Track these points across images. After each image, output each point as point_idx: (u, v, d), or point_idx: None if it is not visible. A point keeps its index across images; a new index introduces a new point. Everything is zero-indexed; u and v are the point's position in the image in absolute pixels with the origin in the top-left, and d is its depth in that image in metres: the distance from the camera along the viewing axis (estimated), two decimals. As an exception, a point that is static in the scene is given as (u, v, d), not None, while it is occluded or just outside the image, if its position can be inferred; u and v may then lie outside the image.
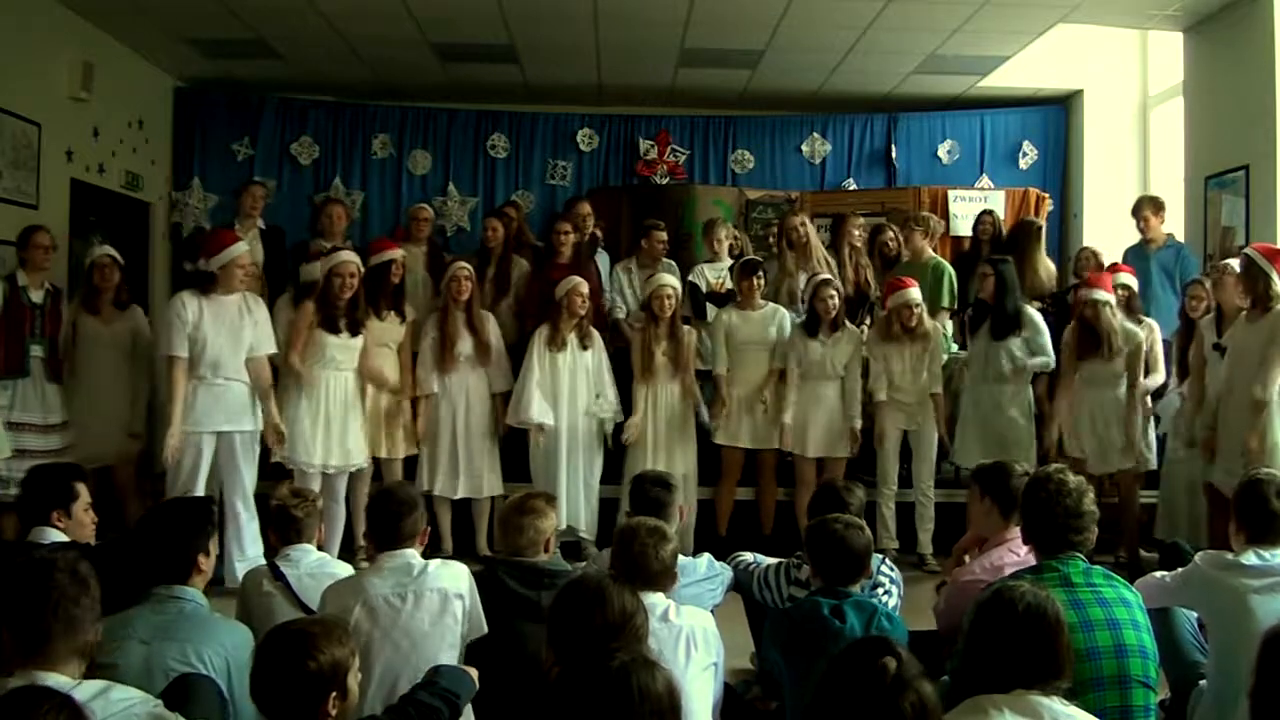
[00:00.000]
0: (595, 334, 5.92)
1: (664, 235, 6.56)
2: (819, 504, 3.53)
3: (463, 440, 5.77)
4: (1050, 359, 5.76)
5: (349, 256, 5.45)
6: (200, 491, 4.92)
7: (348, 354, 5.44)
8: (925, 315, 5.84)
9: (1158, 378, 5.80)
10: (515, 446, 6.08)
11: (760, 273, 5.92)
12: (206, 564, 2.79)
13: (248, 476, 5.16)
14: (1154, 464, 5.73)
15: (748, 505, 6.01)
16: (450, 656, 2.90)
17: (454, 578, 2.96)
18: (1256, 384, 4.73)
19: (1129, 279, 6.01)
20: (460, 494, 5.78)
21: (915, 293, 5.78)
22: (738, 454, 5.90)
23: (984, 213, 7.09)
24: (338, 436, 5.39)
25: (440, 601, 2.90)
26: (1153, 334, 5.92)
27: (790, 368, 5.82)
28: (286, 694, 2.10)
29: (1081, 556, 2.76)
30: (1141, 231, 6.60)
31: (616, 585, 2.38)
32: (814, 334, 5.78)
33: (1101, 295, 5.50)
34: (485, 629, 3.01)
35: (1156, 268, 6.44)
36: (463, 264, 5.90)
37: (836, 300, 5.77)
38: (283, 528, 3.37)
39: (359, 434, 5.50)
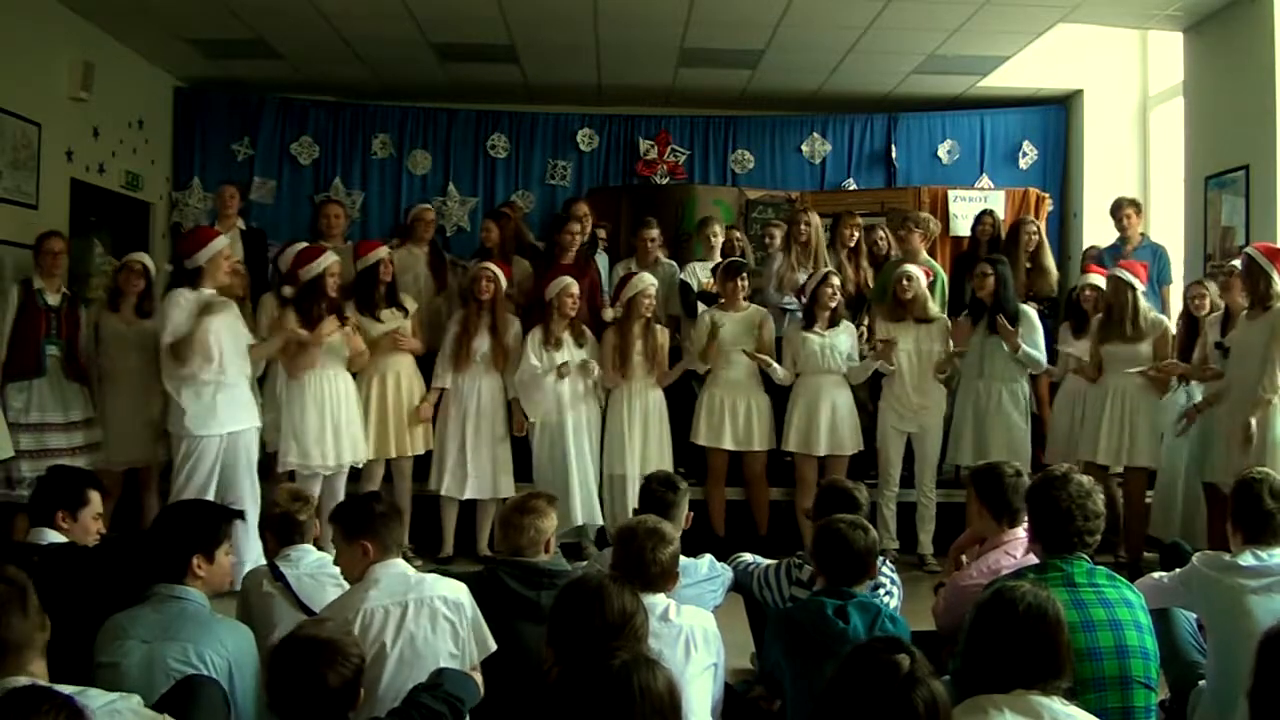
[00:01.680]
0: (587, 331, 5.92)
1: (653, 233, 6.56)
2: (827, 503, 3.51)
3: (471, 441, 5.77)
4: (1044, 358, 5.78)
5: (335, 256, 5.51)
6: (211, 495, 4.92)
7: (334, 349, 5.43)
8: (929, 297, 5.89)
9: None
10: (519, 446, 6.09)
11: (744, 274, 5.94)
12: (205, 569, 2.75)
13: (251, 477, 5.16)
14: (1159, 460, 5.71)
15: (744, 506, 6.02)
16: (452, 665, 2.88)
17: (453, 588, 2.92)
18: (1259, 385, 4.75)
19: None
20: (467, 494, 5.78)
21: (913, 267, 5.88)
22: (722, 455, 5.90)
23: (984, 213, 7.09)
24: (336, 435, 5.40)
25: (440, 609, 2.85)
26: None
27: (786, 362, 5.84)
28: (314, 706, 2.13)
29: (1086, 557, 2.76)
30: (1121, 230, 6.65)
31: (616, 585, 2.38)
32: (810, 326, 5.81)
33: (1125, 275, 5.53)
34: (493, 646, 2.93)
35: None
36: (487, 265, 5.89)
37: (838, 293, 5.81)
38: (284, 532, 3.37)
39: (359, 430, 5.52)
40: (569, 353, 5.80)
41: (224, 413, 5.04)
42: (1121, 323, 5.49)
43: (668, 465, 5.76)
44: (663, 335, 5.92)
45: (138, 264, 5.56)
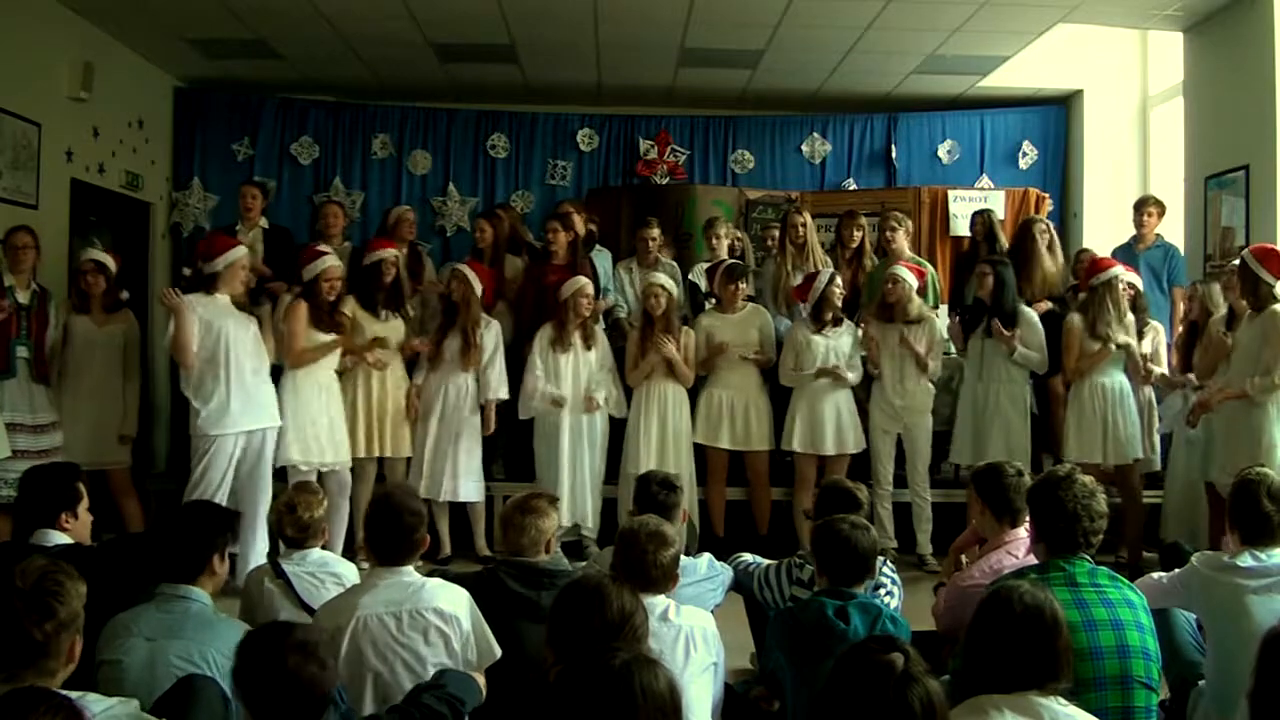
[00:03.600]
0: (599, 332, 5.94)
1: (653, 233, 6.58)
2: (827, 503, 3.51)
3: (433, 440, 5.76)
4: (1044, 358, 5.77)
5: (335, 261, 5.58)
6: (225, 494, 4.94)
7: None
8: (912, 300, 5.86)
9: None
10: (516, 446, 6.08)
11: (745, 278, 6.00)
12: (221, 568, 2.83)
13: (268, 476, 5.17)
14: (1159, 465, 5.75)
15: (744, 506, 6.02)
16: None
17: (452, 600, 2.87)
18: (1252, 380, 4.78)
19: (1134, 278, 6.01)
20: (422, 494, 5.76)
21: (901, 269, 5.88)
22: (721, 455, 5.91)
23: (976, 213, 7.05)
24: (327, 433, 5.43)
25: (434, 622, 2.81)
26: (1158, 335, 5.94)
27: (790, 361, 5.84)
28: (288, 705, 2.11)
29: (1088, 557, 2.77)
30: (1138, 226, 6.64)
31: (616, 585, 2.38)
32: (817, 327, 5.81)
33: (1105, 277, 5.54)
34: (498, 653, 2.91)
35: (1145, 268, 6.45)
36: (459, 266, 5.93)
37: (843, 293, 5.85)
38: (283, 539, 3.38)
39: (344, 430, 5.54)
40: (577, 355, 5.82)
41: (238, 413, 5.05)
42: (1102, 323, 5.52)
43: (685, 465, 5.77)
44: (687, 336, 5.93)
45: (89, 264, 5.53)
